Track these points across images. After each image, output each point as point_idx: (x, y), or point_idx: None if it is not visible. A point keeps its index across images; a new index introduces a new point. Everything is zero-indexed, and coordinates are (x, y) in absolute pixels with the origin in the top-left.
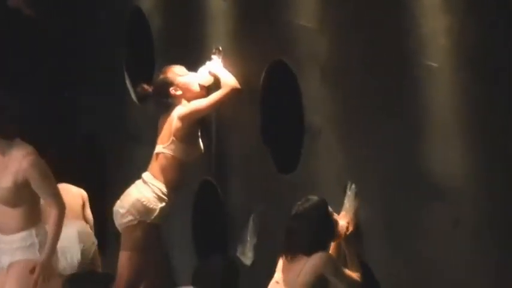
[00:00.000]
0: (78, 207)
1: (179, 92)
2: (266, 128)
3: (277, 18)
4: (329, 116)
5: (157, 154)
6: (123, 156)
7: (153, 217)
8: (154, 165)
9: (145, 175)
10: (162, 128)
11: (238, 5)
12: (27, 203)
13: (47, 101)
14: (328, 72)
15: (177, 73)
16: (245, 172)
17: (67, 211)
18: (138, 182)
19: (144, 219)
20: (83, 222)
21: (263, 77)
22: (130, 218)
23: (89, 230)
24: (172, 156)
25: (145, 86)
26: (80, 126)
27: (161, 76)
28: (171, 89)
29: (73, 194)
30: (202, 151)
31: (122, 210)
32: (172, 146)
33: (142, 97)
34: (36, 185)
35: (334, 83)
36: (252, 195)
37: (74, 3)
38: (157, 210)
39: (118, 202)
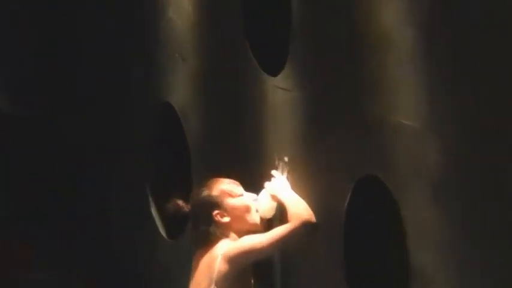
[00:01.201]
0: None
1: (226, 219)
2: (350, 267)
3: (371, 113)
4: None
5: None
6: None
7: None
8: None
9: None
10: (197, 270)
11: (313, 94)
12: None
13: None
14: (442, 188)
15: (227, 191)
16: None
17: None
18: None
19: None
20: None
21: (348, 201)
22: None
23: None
24: None
25: (181, 204)
26: None
27: (203, 192)
28: (215, 212)
29: None
30: None
31: None
32: None
33: (174, 223)
34: None
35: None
36: None
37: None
38: None
39: None
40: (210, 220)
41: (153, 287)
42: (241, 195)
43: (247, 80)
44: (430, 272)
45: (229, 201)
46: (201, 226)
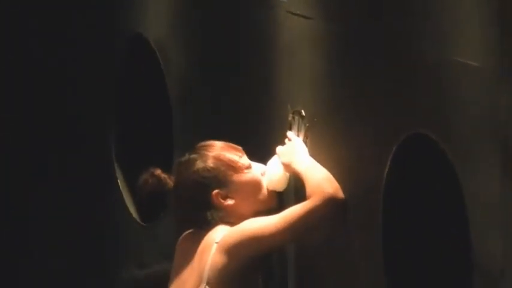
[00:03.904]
0: None
1: (230, 202)
2: (391, 260)
3: (420, 51)
4: None
5: None
6: None
7: None
8: None
9: None
10: (182, 261)
11: (343, 25)
12: None
13: None
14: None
15: (230, 161)
16: None
17: None
18: None
19: None
20: None
21: (388, 169)
22: None
23: None
24: None
25: (160, 177)
26: None
27: (196, 164)
28: (215, 192)
29: None
30: None
31: None
32: None
33: (150, 202)
34: None
35: None
36: None
37: None
38: None
39: None
40: (208, 203)
41: (123, 274)
42: (249, 166)
43: (250, 3)
44: (498, 264)
45: (234, 177)
46: (193, 210)
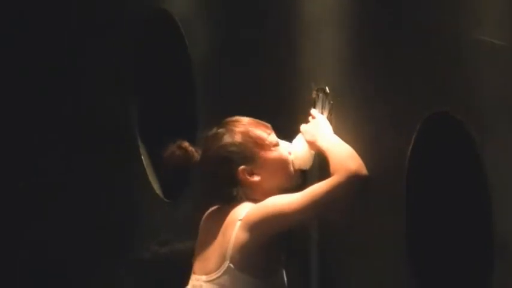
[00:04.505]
0: None
1: (256, 178)
2: (413, 240)
3: (445, 26)
4: None
5: None
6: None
7: None
8: None
9: None
10: (206, 237)
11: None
12: None
13: None
14: None
15: (257, 138)
16: None
17: None
18: None
19: None
20: None
21: (411, 147)
22: None
23: None
24: None
25: (187, 146)
26: None
27: (223, 139)
28: (242, 168)
29: None
30: None
31: None
32: (227, 280)
33: (175, 178)
34: None
35: None
36: None
37: None
38: None
39: None
40: (233, 178)
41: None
42: (277, 144)
43: None
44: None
45: (261, 154)
46: (219, 185)
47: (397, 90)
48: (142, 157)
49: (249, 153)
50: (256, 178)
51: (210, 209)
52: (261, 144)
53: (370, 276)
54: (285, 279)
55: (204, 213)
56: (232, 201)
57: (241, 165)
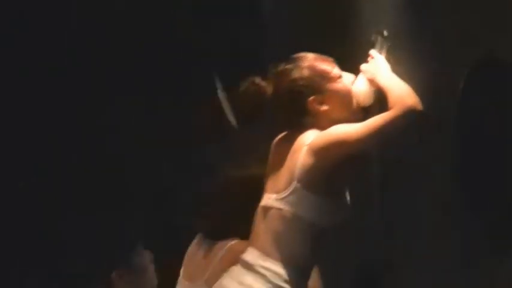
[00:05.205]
0: None
1: (324, 107)
2: (463, 170)
3: None
4: None
5: (266, 210)
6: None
7: None
8: (262, 231)
9: (248, 253)
10: (275, 160)
11: None
12: None
13: None
14: None
15: (324, 71)
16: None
17: None
18: (236, 269)
19: None
20: None
21: (462, 87)
22: None
23: None
24: (294, 214)
25: (260, 82)
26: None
27: (293, 72)
28: (311, 99)
29: None
30: (350, 214)
31: None
32: (295, 198)
33: (247, 106)
34: None
35: None
36: None
37: None
38: None
39: None
40: (303, 109)
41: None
42: (340, 76)
43: None
44: None
45: (328, 86)
46: (290, 116)
47: (450, 33)
48: (218, 89)
49: (317, 85)
50: (324, 107)
51: (280, 135)
52: (326, 76)
53: (421, 200)
54: (348, 198)
55: (272, 140)
56: (301, 129)
57: (310, 96)
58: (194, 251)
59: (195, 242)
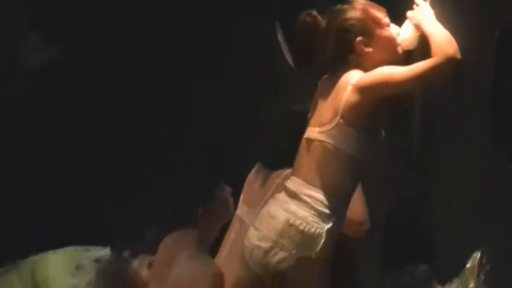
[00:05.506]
0: None
1: (369, 49)
2: (500, 123)
3: None
4: None
5: (310, 142)
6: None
7: (318, 247)
8: (306, 161)
9: (292, 182)
10: (320, 97)
11: None
12: None
13: None
14: None
15: (375, 18)
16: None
17: None
18: (281, 196)
19: (308, 254)
20: None
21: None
22: (282, 255)
23: None
24: (335, 147)
25: (316, 14)
26: None
27: (346, 13)
28: (359, 39)
29: None
30: (385, 149)
31: (264, 245)
32: (337, 132)
33: (308, 44)
34: None
35: None
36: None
37: None
38: (324, 236)
39: (252, 231)
40: (351, 47)
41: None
42: (389, 24)
43: None
44: None
45: (377, 31)
46: (337, 51)
47: None
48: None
49: (367, 27)
50: (369, 49)
51: (324, 76)
52: (377, 22)
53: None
54: (383, 134)
55: (318, 81)
56: (345, 67)
57: (359, 36)
58: (253, 179)
59: (253, 170)
